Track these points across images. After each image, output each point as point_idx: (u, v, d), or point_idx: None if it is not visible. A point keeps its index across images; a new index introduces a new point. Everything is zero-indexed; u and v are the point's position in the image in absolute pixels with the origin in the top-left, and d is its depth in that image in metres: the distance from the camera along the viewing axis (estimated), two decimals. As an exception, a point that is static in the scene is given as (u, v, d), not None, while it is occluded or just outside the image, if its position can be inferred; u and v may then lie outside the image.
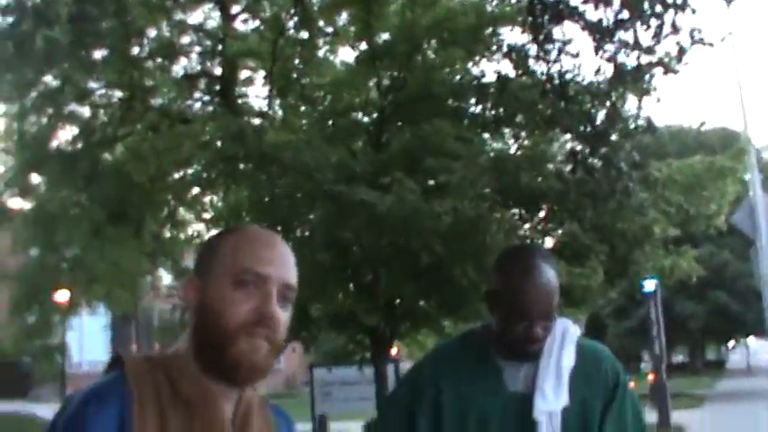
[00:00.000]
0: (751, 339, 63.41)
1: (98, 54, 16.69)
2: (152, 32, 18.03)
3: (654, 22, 8.72)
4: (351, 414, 17.06)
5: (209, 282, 1.66)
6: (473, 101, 12.20)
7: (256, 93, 19.69)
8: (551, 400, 2.53)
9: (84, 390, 1.58)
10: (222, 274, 1.66)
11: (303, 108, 12.78)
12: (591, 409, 2.58)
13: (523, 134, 12.20)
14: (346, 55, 13.84)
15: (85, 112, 19.62)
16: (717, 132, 43.92)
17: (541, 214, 11.95)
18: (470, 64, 12.51)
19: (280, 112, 13.81)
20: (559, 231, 12.05)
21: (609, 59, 9.79)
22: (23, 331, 23.82)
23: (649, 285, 20.19)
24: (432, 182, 10.76)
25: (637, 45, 9.19)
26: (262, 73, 18.19)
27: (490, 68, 14.91)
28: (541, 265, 2.51)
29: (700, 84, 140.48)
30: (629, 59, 9.50)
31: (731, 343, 69.98)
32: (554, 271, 2.54)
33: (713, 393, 36.69)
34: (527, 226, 11.92)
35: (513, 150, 12.55)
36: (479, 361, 2.63)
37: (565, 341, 2.61)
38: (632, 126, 10.18)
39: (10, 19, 13.24)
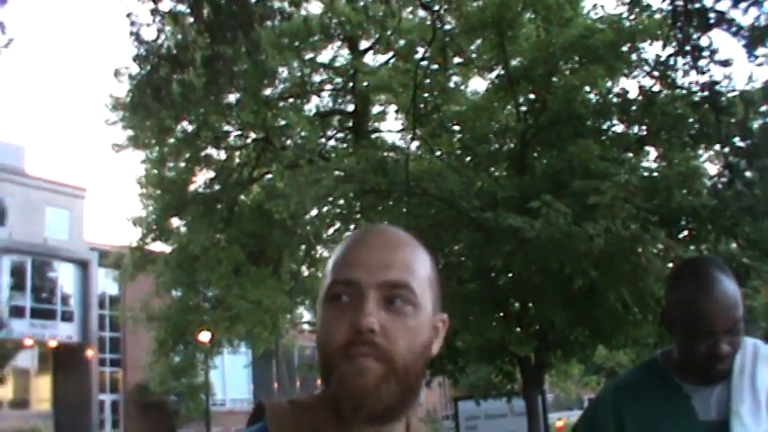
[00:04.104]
0: None
1: (232, 97, 17.09)
2: (284, 73, 18.41)
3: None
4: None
5: (318, 305, 1.41)
6: (615, 119, 11.85)
7: (389, 127, 19.95)
8: (750, 425, 2.24)
9: None
10: (321, 292, 1.40)
11: (442, 137, 12.65)
12: None
13: (671, 150, 11.71)
14: (476, 84, 13.75)
15: (221, 154, 20.17)
16: None
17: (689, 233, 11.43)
18: (610, 82, 12.17)
19: (414, 144, 13.76)
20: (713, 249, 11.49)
21: (763, 64, 9.34)
22: (169, 371, 24.58)
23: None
24: (579, 204, 10.42)
25: (797, 45, 8.70)
26: (393, 107, 18.35)
27: (631, 85, 14.56)
28: (719, 276, 2.24)
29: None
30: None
31: None
32: (733, 282, 2.25)
33: None
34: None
35: (657, 168, 12.10)
36: (664, 389, 2.37)
37: (757, 359, 2.32)
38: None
39: (147, 67, 13.68)
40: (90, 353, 38.74)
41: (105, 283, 38.90)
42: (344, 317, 1.32)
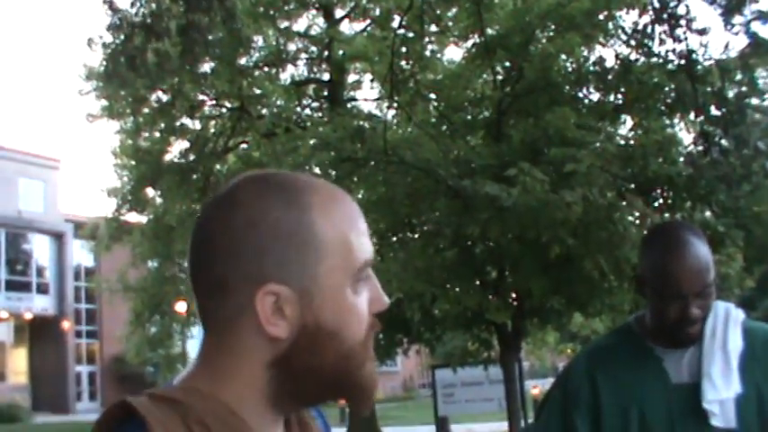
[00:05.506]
0: None
1: (207, 66, 16.97)
2: (259, 41, 18.29)
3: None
4: (474, 415, 16.86)
5: (319, 291, 1.08)
6: (592, 88, 11.85)
7: (364, 96, 19.92)
8: (721, 387, 2.26)
9: None
10: (336, 275, 1.08)
11: (418, 105, 12.62)
12: None
13: (647, 119, 11.74)
14: (452, 52, 13.71)
15: (196, 124, 20.05)
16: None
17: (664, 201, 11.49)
18: (587, 50, 12.17)
19: (390, 113, 13.72)
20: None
21: (740, 32, 9.38)
22: (146, 342, 24.57)
23: (783, 275, 19.26)
24: (555, 172, 10.43)
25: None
26: (368, 76, 18.29)
27: (608, 53, 14.59)
28: (689, 239, 2.25)
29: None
30: (764, 30, 9.05)
31: None
32: (705, 246, 2.26)
33: None
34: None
35: (633, 136, 12.14)
36: (637, 353, 2.38)
37: (729, 323, 2.33)
38: (768, 101, 9.69)
39: (121, 37, 13.54)
40: (66, 325, 38.63)
41: (81, 254, 38.74)
42: (364, 303, 1.12)
